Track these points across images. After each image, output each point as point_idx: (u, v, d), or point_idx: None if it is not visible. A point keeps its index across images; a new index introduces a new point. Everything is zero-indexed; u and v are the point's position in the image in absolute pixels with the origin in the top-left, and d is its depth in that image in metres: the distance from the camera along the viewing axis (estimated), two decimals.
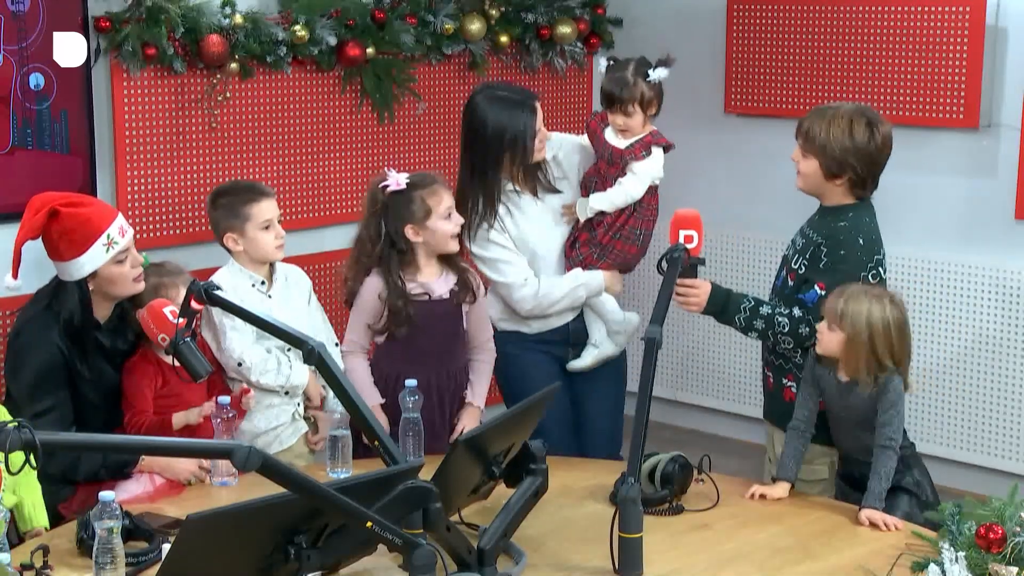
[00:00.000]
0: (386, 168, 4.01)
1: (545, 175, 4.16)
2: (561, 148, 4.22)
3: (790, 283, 3.73)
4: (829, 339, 3.40)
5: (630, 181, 4.07)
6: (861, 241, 3.66)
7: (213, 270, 4.59)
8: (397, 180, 3.88)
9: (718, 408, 5.81)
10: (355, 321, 3.97)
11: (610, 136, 4.12)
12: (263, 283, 3.96)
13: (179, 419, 3.66)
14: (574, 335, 4.23)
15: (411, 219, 3.87)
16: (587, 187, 4.17)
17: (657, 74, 4.07)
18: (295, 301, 4.02)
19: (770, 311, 3.66)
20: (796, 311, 3.63)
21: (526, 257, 4.13)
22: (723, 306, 3.71)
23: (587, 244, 4.13)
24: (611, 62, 4.14)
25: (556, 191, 4.17)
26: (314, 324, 4.03)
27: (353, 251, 3.99)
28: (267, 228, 3.94)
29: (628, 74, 4.06)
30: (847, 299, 3.38)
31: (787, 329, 3.63)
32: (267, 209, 3.95)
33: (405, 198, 3.87)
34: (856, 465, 3.51)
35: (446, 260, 3.97)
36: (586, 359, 4.22)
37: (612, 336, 4.24)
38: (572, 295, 4.13)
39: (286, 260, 4.07)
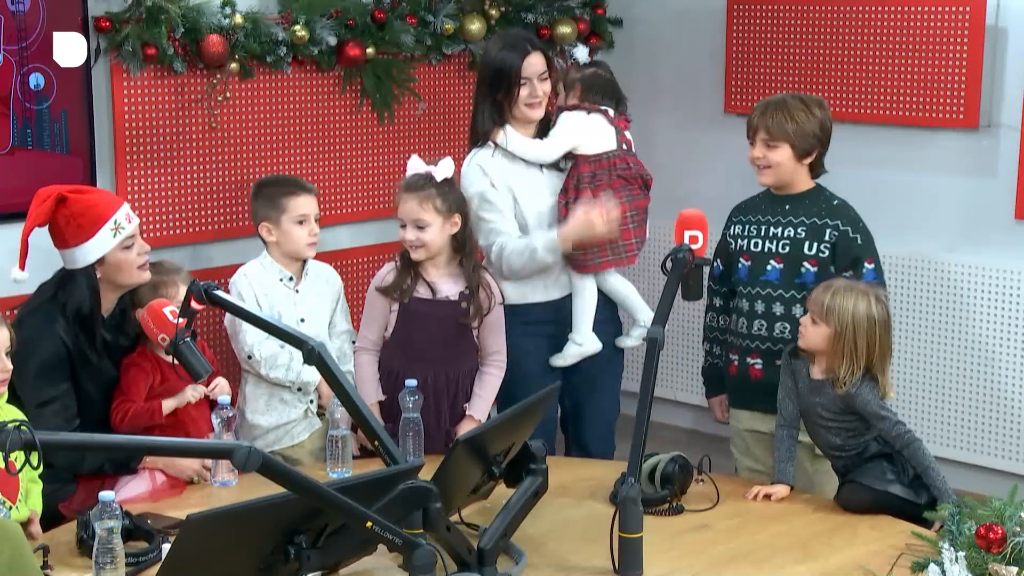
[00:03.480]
0: (445, 158, 3.99)
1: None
2: None
3: (811, 269, 3.84)
4: (813, 333, 3.43)
5: (551, 135, 4.12)
6: (857, 211, 3.94)
7: (213, 270, 4.61)
8: (407, 169, 3.94)
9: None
10: (367, 313, 3.98)
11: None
12: (291, 279, 3.99)
13: (169, 404, 3.66)
14: (570, 315, 4.18)
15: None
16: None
17: (578, 51, 4.27)
18: (322, 300, 4.06)
19: None
20: None
21: (522, 225, 4.10)
22: None
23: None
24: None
25: (560, 170, 4.14)
26: (338, 324, 4.06)
27: None
28: (301, 223, 4.00)
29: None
30: (834, 294, 3.43)
31: None
32: (304, 204, 4.01)
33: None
34: (830, 459, 3.55)
35: (464, 266, 3.96)
36: (567, 357, 4.17)
37: (633, 328, 4.24)
38: (531, 259, 4.01)
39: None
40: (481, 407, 3.98)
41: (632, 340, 4.25)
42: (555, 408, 4.25)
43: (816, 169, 3.95)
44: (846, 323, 3.37)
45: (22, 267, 3.62)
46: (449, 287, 3.94)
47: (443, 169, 3.93)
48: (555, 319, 4.17)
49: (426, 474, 2.90)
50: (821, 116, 3.90)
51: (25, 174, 4.24)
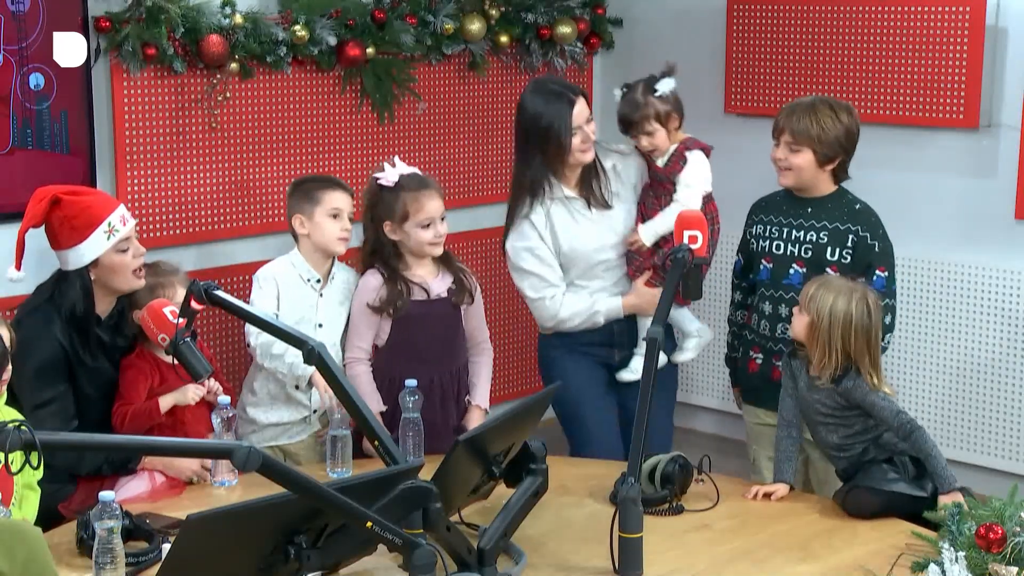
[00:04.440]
0: (393, 157, 4.03)
1: (601, 187, 4.09)
2: (621, 160, 4.16)
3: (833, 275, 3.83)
4: (797, 321, 3.51)
5: (683, 194, 4.04)
6: (879, 217, 3.98)
7: (213, 270, 4.61)
8: (388, 177, 3.93)
9: (718, 408, 5.81)
10: (357, 325, 3.97)
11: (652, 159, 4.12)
12: (318, 281, 4.00)
13: (167, 402, 3.66)
14: (618, 336, 4.16)
15: (391, 217, 3.93)
16: (644, 202, 4.14)
17: (663, 86, 4.06)
18: (344, 307, 4.06)
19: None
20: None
21: (568, 265, 4.08)
22: None
23: (656, 276, 4.09)
24: (624, 89, 4.13)
25: (608, 206, 4.10)
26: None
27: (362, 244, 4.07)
28: (335, 217, 4.01)
29: (637, 95, 4.07)
30: (820, 285, 3.49)
31: (889, 333, 3.90)
32: (338, 198, 4.03)
33: (391, 195, 3.92)
34: (832, 462, 3.54)
35: (442, 260, 3.99)
36: (638, 371, 4.13)
37: (685, 340, 4.23)
38: (590, 320, 4.09)
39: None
40: (484, 395, 4.06)
41: (688, 353, 4.24)
42: (615, 417, 4.22)
43: (839, 174, 3.97)
44: (822, 315, 3.41)
45: (18, 267, 3.63)
46: (438, 284, 3.99)
47: (406, 166, 3.99)
48: (603, 341, 4.16)
49: (426, 474, 2.90)
50: (848, 122, 3.91)
51: (25, 174, 4.23)
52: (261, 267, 4.09)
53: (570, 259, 4.08)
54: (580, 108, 3.99)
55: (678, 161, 4.07)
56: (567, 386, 4.05)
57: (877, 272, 3.90)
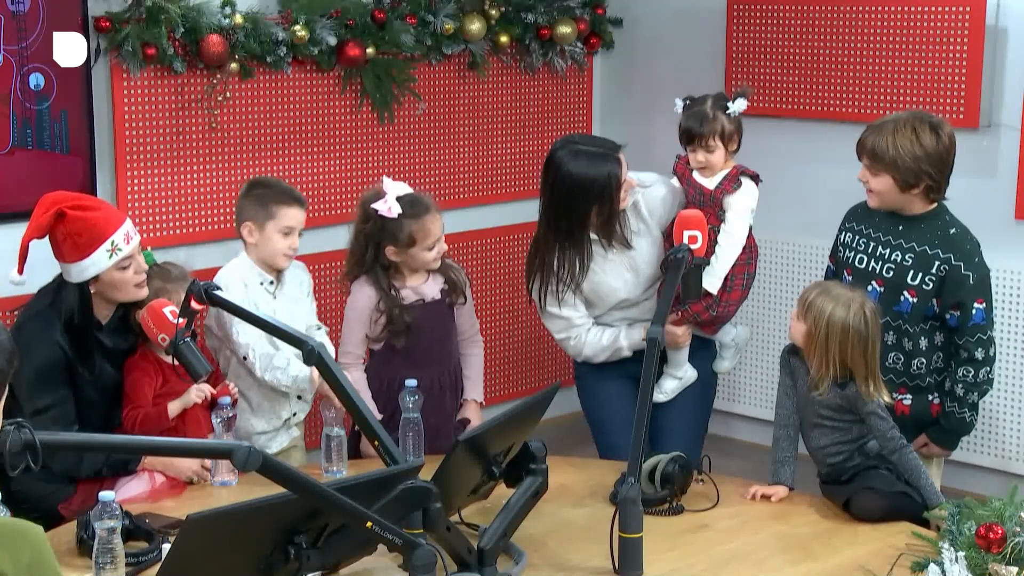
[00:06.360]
0: (383, 178, 4.01)
1: (622, 226, 3.95)
2: (643, 195, 4.01)
3: (911, 299, 3.74)
4: (795, 328, 3.47)
5: (731, 222, 3.90)
6: (977, 242, 3.77)
7: (213, 270, 4.59)
8: (390, 207, 3.88)
9: (719, 408, 5.79)
10: (350, 331, 3.98)
11: (697, 177, 3.95)
12: (271, 283, 3.97)
13: (175, 407, 3.66)
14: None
15: (394, 243, 3.91)
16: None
17: (736, 106, 3.91)
18: (299, 304, 4.04)
19: (962, 391, 3.80)
20: (977, 353, 3.77)
21: (590, 304, 4.02)
22: (947, 435, 3.87)
23: (684, 315, 3.96)
24: (687, 101, 3.98)
25: (628, 246, 3.97)
26: (310, 320, 4.06)
27: (347, 257, 4.05)
28: (286, 234, 3.92)
29: (707, 108, 3.91)
30: (819, 293, 3.43)
31: (985, 373, 3.80)
32: (294, 216, 3.93)
33: (394, 223, 3.90)
34: (816, 464, 3.53)
35: None
36: (668, 392, 4.08)
37: (723, 350, 4.17)
38: (615, 354, 4.04)
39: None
40: (478, 388, 4.11)
41: (726, 362, 4.17)
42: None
43: (932, 195, 3.75)
44: (820, 324, 3.36)
45: (20, 271, 3.61)
46: (431, 288, 4.00)
47: (398, 184, 3.96)
48: (635, 357, 4.05)
49: (426, 474, 2.90)
50: (931, 145, 3.68)
51: (25, 174, 4.24)
52: (218, 271, 3.96)
53: (591, 300, 4.02)
54: (624, 162, 3.89)
55: (730, 184, 3.91)
56: (597, 401, 4.08)
57: (975, 305, 3.71)
